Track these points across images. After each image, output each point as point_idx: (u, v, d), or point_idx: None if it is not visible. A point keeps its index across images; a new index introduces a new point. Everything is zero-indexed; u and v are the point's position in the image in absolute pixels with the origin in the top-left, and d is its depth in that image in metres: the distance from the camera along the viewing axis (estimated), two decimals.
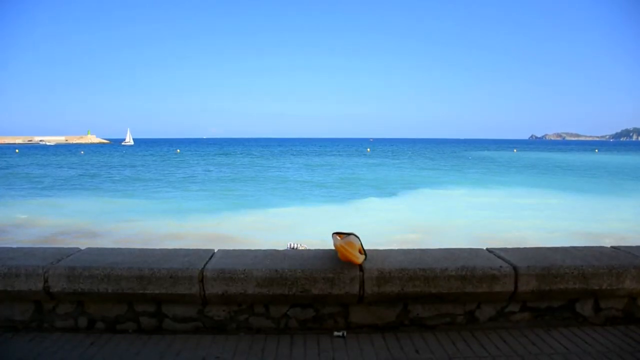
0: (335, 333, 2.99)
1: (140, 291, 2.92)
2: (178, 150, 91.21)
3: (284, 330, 3.05)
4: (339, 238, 3.14)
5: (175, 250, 3.35)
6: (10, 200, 22.80)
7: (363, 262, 3.03)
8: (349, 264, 2.99)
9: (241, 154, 79.49)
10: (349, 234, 3.17)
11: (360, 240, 3.13)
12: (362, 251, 3.08)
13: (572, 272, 3.04)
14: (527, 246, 3.57)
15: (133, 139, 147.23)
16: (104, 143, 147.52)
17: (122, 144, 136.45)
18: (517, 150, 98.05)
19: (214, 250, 3.33)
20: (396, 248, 3.43)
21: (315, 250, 3.42)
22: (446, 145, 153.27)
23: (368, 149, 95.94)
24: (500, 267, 3.04)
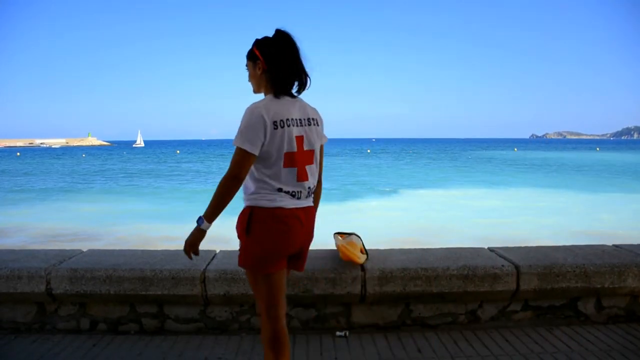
0: (338, 333, 2.99)
1: (142, 292, 2.92)
2: (178, 152, 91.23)
3: None
4: (340, 238, 3.14)
5: (177, 251, 3.35)
6: (13, 202, 22.83)
7: (365, 261, 3.03)
8: (350, 263, 3.00)
9: None
10: (350, 234, 3.17)
11: (361, 240, 3.13)
12: (364, 251, 3.09)
13: (574, 271, 3.04)
14: (529, 245, 3.57)
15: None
16: (104, 145, 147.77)
17: (134, 145, 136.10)
18: (517, 150, 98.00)
19: (215, 251, 3.34)
20: (397, 248, 3.44)
21: (317, 250, 3.42)
22: (446, 144, 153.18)
23: (368, 150, 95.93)
24: (502, 266, 3.04)
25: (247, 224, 1.95)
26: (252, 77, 2.07)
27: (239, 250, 2.03)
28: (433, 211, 19.16)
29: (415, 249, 3.40)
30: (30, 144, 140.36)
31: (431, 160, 60.29)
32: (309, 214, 2.08)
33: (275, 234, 1.95)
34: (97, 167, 49.82)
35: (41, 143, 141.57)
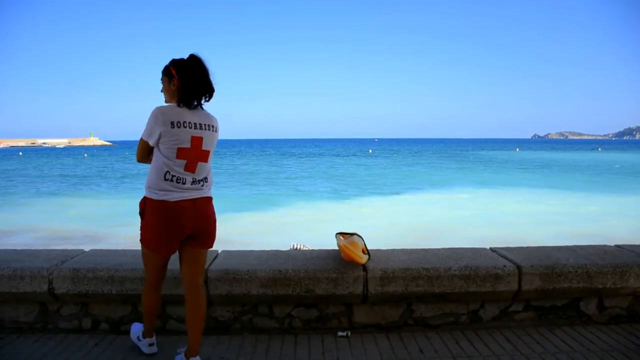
0: (339, 333, 2.99)
1: None
2: None
3: (288, 331, 3.06)
4: (342, 238, 3.14)
5: None
6: (15, 202, 22.89)
7: (366, 262, 3.03)
8: (352, 263, 3.00)
9: (242, 154, 79.55)
10: (352, 234, 3.17)
11: (363, 240, 3.13)
12: (366, 251, 3.09)
13: (576, 271, 3.04)
14: (531, 245, 3.56)
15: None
16: (106, 145, 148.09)
17: None
18: (519, 150, 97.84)
19: (217, 251, 3.34)
20: (399, 248, 3.44)
21: (319, 250, 3.42)
22: (448, 144, 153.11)
23: (370, 150, 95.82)
24: (504, 266, 3.03)
25: (142, 209, 2.43)
26: (165, 90, 2.48)
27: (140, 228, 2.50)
28: (435, 211, 19.15)
29: (417, 249, 3.39)
30: (32, 143, 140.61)
31: (433, 160, 60.23)
32: (198, 203, 2.44)
33: (160, 224, 2.38)
34: (98, 167, 49.88)
35: (43, 143, 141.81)
